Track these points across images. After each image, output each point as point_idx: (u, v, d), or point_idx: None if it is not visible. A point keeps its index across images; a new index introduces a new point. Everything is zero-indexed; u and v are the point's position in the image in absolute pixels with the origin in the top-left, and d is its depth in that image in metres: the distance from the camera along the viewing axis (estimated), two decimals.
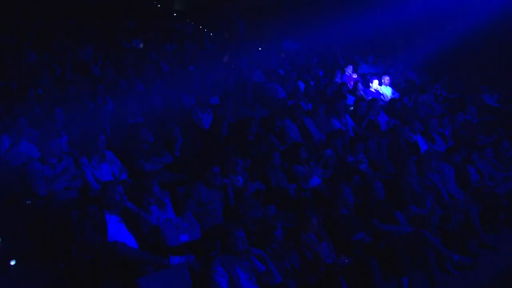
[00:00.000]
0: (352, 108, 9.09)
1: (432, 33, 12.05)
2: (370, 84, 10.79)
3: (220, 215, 5.20)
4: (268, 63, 11.31)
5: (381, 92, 10.69)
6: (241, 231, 4.19)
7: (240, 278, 4.05)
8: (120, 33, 12.01)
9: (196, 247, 4.56)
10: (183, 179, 5.77)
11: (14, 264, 4.40)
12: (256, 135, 6.88)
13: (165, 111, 7.79)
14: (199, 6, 16.26)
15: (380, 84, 10.78)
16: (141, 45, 11.64)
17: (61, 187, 5.05)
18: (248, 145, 6.57)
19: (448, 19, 11.78)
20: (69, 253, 4.46)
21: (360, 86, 10.54)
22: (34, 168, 5.01)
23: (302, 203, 5.56)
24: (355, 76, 11.42)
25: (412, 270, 4.97)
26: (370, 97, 9.78)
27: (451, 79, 12.13)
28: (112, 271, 4.13)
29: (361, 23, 11.99)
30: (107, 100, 7.69)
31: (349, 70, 11.44)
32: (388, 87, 10.82)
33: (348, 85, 10.42)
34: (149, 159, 5.74)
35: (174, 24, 14.31)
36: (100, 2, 13.60)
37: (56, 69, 9.01)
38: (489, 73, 12.07)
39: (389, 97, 10.35)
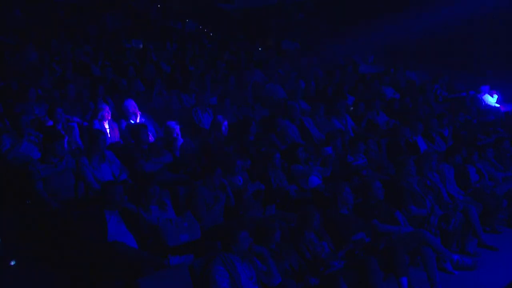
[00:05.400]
0: (352, 108, 9.10)
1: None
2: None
3: (220, 215, 5.20)
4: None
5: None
6: (246, 231, 4.19)
7: (241, 278, 4.04)
8: (120, 33, 12.03)
9: (196, 247, 4.56)
10: (183, 179, 5.77)
11: (14, 264, 4.40)
12: (256, 135, 6.88)
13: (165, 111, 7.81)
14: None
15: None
16: (141, 45, 11.65)
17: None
18: (248, 145, 6.57)
19: None
20: (69, 253, 4.46)
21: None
22: (33, 168, 5.01)
23: (303, 203, 5.56)
24: None
25: (412, 270, 4.98)
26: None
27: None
28: (112, 271, 4.14)
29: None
30: (107, 100, 7.69)
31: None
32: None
33: None
34: (149, 159, 5.74)
35: (174, 24, 14.34)
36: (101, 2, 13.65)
37: (56, 69, 9.01)
38: (489, 73, 12.08)
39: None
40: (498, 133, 9.25)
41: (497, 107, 10.79)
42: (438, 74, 11.86)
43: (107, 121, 6.74)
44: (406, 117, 8.79)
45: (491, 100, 11.03)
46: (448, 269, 5.39)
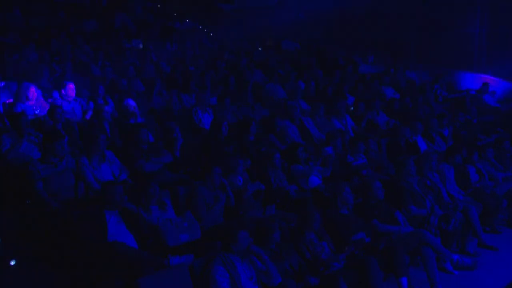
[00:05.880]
0: (352, 108, 9.10)
1: None
2: None
3: (220, 215, 5.20)
4: None
5: None
6: (245, 231, 4.19)
7: (241, 278, 4.04)
8: (120, 33, 12.03)
9: (196, 247, 4.56)
10: (183, 179, 5.77)
11: (14, 264, 4.40)
12: (256, 135, 6.88)
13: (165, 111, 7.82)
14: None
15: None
16: (141, 45, 11.65)
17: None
18: (248, 145, 6.57)
19: None
20: (69, 253, 4.46)
21: None
22: (33, 168, 5.01)
23: (303, 202, 5.56)
24: None
25: (412, 270, 4.98)
26: None
27: None
28: (112, 271, 4.14)
29: None
30: (107, 100, 7.70)
31: None
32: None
33: None
34: (149, 159, 5.74)
35: (174, 24, 14.35)
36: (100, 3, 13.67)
37: (56, 69, 9.01)
38: (488, 73, 12.11)
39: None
40: (498, 133, 9.25)
41: (497, 107, 10.79)
42: (438, 74, 11.87)
43: (107, 121, 6.74)
44: (406, 117, 8.79)
45: (492, 99, 11.02)
46: (448, 269, 5.39)
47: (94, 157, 5.33)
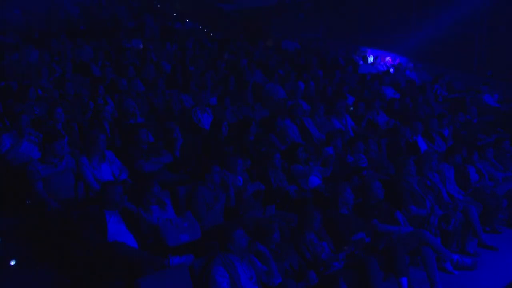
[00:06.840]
0: (352, 108, 9.11)
1: None
2: None
3: (221, 215, 5.20)
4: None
5: None
6: (241, 229, 4.19)
7: (241, 278, 4.04)
8: (120, 33, 12.04)
9: (196, 247, 4.56)
10: (183, 179, 5.77)
11: (14, 264, 4.40)
12: (256, 135, 6.88)
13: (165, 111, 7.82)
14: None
15: None
16: (141, 45, 11.66)
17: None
18: (248, 145, 6.57)
19: None
20: (69, 253, 4.46)
21: None
22: (33, 168, 5.01)
23: (303, 203, 5.56)
24: None
25: (412, 270, 4.98)
26: None
27: None
28: (112, 271, 4.14)
29: None
30: (107, 100, 7.69)
31: None
32: None
33: None
34: (149, 159, 5.74)
35: (174, 24, 14.36)
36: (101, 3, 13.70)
37: (56, 69, 9.01)
38: (489, 73, 12.11)
39: None
40: (498, 133, 9.26)
41: (497, 107, 10.79)
42: (438, 74, 11.87)
43: (107, 121, 6.74)
44: (406, 117, 8.79)
45: (492, 99, 11.03)
46: (448, 269, 5.39)
47: (94, 157, 5.32)
